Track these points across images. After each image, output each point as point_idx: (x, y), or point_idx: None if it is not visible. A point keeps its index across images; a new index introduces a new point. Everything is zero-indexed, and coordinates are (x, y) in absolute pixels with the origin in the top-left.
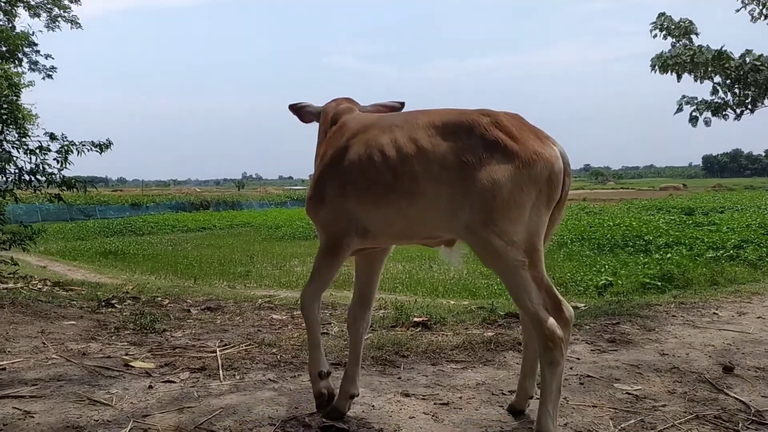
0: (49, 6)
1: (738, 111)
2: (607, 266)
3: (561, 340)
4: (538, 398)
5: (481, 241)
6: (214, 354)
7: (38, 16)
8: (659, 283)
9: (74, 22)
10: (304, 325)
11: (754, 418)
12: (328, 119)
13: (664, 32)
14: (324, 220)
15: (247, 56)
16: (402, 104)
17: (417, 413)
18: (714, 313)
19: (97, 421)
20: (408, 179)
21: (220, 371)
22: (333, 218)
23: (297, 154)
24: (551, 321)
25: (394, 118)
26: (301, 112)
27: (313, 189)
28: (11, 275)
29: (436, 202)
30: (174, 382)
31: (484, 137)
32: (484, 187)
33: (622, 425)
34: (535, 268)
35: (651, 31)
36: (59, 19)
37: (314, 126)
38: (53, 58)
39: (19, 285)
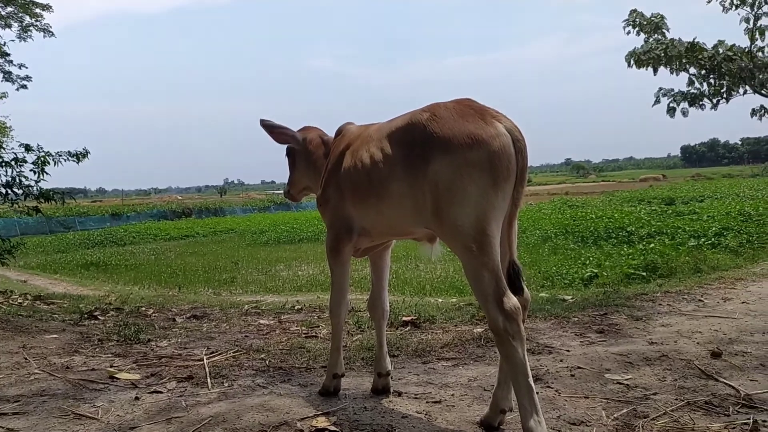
0: (20, 15)
1: (714, 101)
2: (591, 258)
3: (506, 333)
4: (515, 412)
5: (436, 229)
6: (201, 362)
7: (9, 26)
8: (643, 273)
9: (47, 31)
10: (292, 329)
11: (743, 402)
12: (323, 141)
13: (636, 28)
14: (329, 219)
15: (226, 62)
16: None
17: (410, 412)
18: (700, 300)
19: None
20: (378, 182)
21: (208, 379)
22: (334, 217)
23: (279, 158)
24: (495, 312)
25: (372, 129)
26: (275, 131)
27: (321, 193)
28: None
29: (402, 200)
30: (161, 392)
31: (423, 133)
32: (429, 179)
33: (615, 415)
34: (484, 253)
35: (624, 27)
36: (31, 28)
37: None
38: (27, 68)
39: None
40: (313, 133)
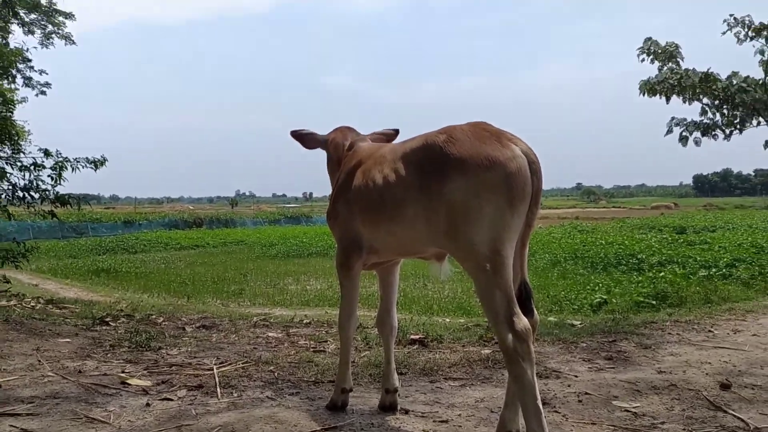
0: (43, 23)
1: (727, 131)
2: (600, 284)
3: (515, 353)
4: None
5: (450, 249)
6: (211, 372)
7: (32, 33)
8: (653, 302)
9: (68, 39)
10: (300, 342)
11: None
12: (342, 146)
13: (651, 56)
14: (338, 235)
15: (242, 75)
16: (396, 131)
17: (416, 431)
18: (709, 331)
19: None
20: (391, 204)
21: (218, 389)
22: (344, 233)
23: (290, 172)
24: (506, 332)
25: (385, 149)
26: (304, 138)
27: (330, 206)
28: (3, 293)
29: (415, 221)
30: (171, 399)
31: (440, 155)
32: (445, 200)
33: None
34: (498, 273)
35: (638, 55)
36: (53, 35)
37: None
38: (47, 74)
39: (12, 303)
40: (338, 136)
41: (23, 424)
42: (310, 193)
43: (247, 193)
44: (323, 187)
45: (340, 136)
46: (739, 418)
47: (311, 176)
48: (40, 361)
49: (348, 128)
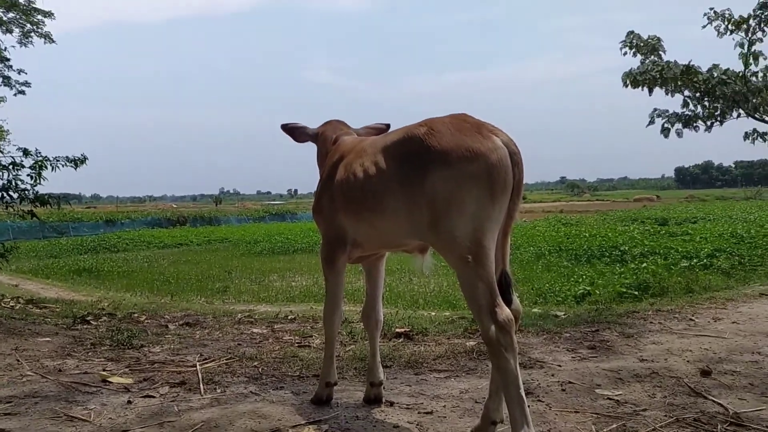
0: (21, 21)
1: (708, 123)
2: (584, 276)
3: (498, 344)
4: (506, 424)
5: (432, 241)
6: (194, 368)
7: (10, 32)
8: (636, 292)
9: (47, 37)
10: (285, 338)
11: (732, 420)
12: (331, 139)
13: (633, 49)
14: (323, 229)
15: (223, 71)
16: (387, 126)
17: (401, 422)
18: (690, 320)
19: None
20: (372, 197)
21: (201, 385)
22: (328, 227)
23: (275, 169)
24: (488, 323)
25: (366, 143)
26: (295, 132)
27: (315, 201)
28: None
29: (396, 213)
30: (153, 396)
31: (421, 147)
32: (427, 192)
33: (605, 430)
34: (480, 265)
35: (621, 48)
36: (32, 34)
37: (295, 143)
38: (26, 73)
39: None
40: (328, 129)
41: (1, 423)
42: (295, 190)
43: (232, 191)
44: (308, 184)
45: (330, 129)
46: (718, 403)
47: (296, 173)
48: (18, 360)
49: (339, 122)
